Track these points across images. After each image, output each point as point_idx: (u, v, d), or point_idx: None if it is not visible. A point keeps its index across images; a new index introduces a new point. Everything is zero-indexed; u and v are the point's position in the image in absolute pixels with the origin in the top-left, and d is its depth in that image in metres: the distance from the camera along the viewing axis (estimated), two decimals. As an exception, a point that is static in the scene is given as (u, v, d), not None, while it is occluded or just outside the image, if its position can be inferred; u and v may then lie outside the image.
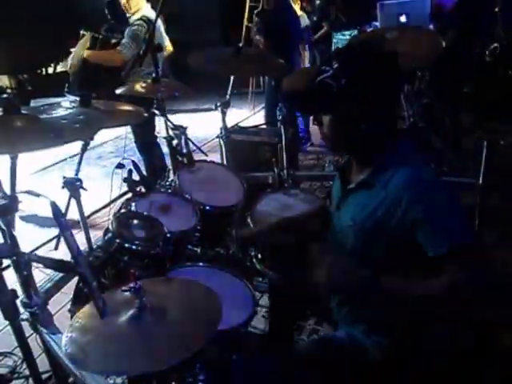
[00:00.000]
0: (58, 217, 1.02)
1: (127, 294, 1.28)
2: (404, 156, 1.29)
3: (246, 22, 5.89)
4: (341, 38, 5.27)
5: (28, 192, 1.09)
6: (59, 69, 8.86)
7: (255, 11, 5.33)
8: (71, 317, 1.90)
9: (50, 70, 9.24)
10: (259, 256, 2.15)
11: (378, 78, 1.23)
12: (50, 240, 3.08)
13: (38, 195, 1.08)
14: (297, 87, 2.41)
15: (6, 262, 1.40)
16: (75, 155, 4.94)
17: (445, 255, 1.14)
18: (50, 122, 1.32)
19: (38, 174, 4.79)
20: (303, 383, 1.39)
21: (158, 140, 3.76)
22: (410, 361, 1.35)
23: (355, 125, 1.26)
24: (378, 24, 4.02)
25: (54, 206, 1.02)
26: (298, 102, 1.41)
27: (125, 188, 3.54)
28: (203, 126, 5.29)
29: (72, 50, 3.47)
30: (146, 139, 3.71)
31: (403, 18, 3.49)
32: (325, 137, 1.34)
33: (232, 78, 2.64)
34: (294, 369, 1.39)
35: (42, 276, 2.29)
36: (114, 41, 3.50)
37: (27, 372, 2.22)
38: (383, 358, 1.34)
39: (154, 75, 2.36)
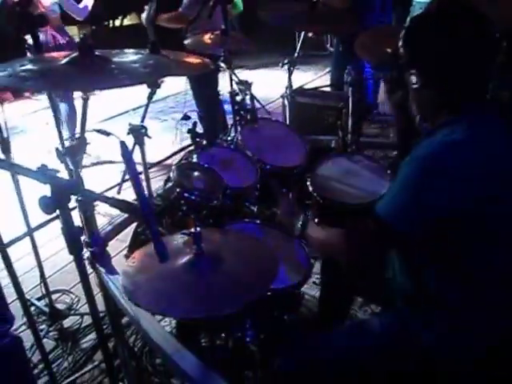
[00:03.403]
0: (127, 157, 1.01)
1: (185, 239, 1.30)
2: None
3: None
4: (419, 1, 4.90)
5: (99, 131, 1.09)
6: (126, 22, 8.98)
7: None
8: (127, 262, 1.97)
9: (117, 23, 9.42)
10: (315, 220, 2.12)
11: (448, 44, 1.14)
12: (112, 187, 3.17)
13: (108, 134, 1.08)
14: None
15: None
16: (137, 108, 5.07)
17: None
18: (121, 63, 1.32)
19: (100, 125, 4.92)
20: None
21: (220, 97, 3.73)
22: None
23: (424, 92, 1.20)
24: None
25: (123, 145, 1.02)
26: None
27: (185, 142, 3.60)
28: (266, 85, 5.19)
29: (145, 7, 3.45)
30: (206, 95, 3.67)
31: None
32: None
33: (302, 35, 2.52)
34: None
35: (101, 220, 2.38)
36: None
37: (83, 310, 2.35)
38: (438, 348, 1.23)
39: (223, 27, 2.30)
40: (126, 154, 1.00)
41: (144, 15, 3.33)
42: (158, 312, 1.16)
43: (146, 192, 1.74)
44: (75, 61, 1.28)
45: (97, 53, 1.34)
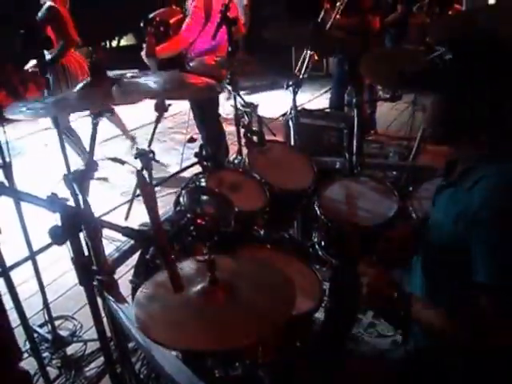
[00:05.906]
0: (143, 185, 1.00)
1: (198, 266, 1.26)
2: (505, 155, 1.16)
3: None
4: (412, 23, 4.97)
5: (113, 159, 1.07)
6: (123, 43, 9.06)
7: None
8: (132, 288, 1.93)
9: (114, 44, 9.53)
10: (322, 243, 2.10)
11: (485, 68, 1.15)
12: (115, 208, 3.13)
13: (123, 163, 1.06)
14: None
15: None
16: (133, 129, 5.07)
17: (489, 287, 1.07)
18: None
19: (100, 146, 4.90)
20: None
21: (220, 118, 3.73)
22: None
23: (454, 108, 1.19)
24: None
25: (139, 174, 1.00)
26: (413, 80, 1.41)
27: (184, 164, 3.58)
28: (264, 105, 5.19)
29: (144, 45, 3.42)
30: (207, 116, 3.67)
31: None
32: (427, 124, 1.30)
33: (308, 57, 2.53)
34: None
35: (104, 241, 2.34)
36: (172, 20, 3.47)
37: (86, 336, 2.30)
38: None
39: (229, 49, 2.30)
40: (143, 184, 0.98)
41: (143, 53, 3.30)
42: (172, 347, 1.11)
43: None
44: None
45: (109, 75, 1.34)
